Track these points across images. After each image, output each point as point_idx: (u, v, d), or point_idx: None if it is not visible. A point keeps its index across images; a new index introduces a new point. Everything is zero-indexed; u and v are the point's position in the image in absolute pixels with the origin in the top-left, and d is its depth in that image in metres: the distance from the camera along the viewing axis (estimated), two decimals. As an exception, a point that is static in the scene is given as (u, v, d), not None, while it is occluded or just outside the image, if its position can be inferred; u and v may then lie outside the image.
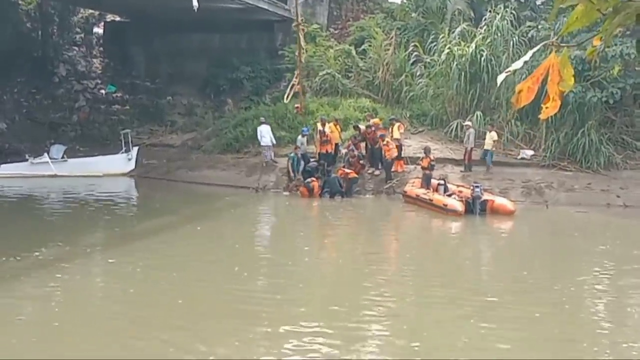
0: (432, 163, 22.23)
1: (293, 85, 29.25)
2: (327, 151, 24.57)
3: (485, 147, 23.77)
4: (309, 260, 15.36)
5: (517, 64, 3.10)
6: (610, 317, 11.44)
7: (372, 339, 9.83)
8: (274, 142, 26.38)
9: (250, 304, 11.32)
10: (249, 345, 9.56)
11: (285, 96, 29.37)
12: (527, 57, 3.07)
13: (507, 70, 3.23)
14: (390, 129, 24.41)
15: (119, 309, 11.34)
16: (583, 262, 15.46)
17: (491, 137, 23.72)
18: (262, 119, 27.04)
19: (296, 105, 28.56)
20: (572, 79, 3.01)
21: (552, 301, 11.95)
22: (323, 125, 24.88)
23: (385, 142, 23.52)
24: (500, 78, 3.29)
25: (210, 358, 9.06)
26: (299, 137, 25.08)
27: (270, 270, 14.35)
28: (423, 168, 22.18)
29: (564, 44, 2.97)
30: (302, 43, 28.43)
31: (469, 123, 24.16)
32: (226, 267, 14.09)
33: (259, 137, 26.34)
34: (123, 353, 9.20)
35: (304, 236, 18.82)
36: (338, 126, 25.49)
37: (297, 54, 29.04)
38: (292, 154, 24.45)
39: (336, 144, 25.00)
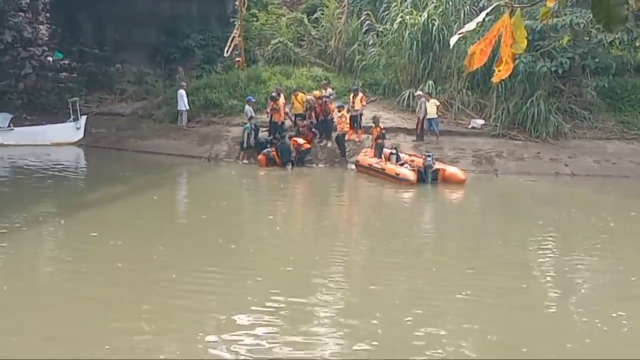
0: (383, 132, 22.25)
1: (234, 37, 29.01)
2: (276, 120, 24.38)
3: (429, 117, 23.72)
4: (267, 232, 15.34)
5: (470, 25, 3.07)
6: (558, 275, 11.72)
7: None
8: (187, 107, 26.78)
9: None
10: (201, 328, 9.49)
11: (226, 50, 29.16)
12: (480, 18, 3.03)
13: (459, 32, 3.19)
14: (351, 99, 24.27)
15: (67, 281, 11.18)
16: (533, 229, 15.72)
17: (433, 104, 23.67)
18: (182, 83, 27.67)
19: (237, 59, 28.39)
20: (525, 41, 2.99)
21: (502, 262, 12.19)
22: (278, 94, 24.66)
23: (340, 115, 23.42)
24: (453, 40, 3.25)
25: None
26: (246, 106, 24.74)
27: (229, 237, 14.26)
28: (374, 139, 22.19)
29: (517, 5, 2.94)
30: None
31: (420, 92, 24.20)
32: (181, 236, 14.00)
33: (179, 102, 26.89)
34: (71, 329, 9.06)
35: (257, 206, 18.79)
36: (300, 96, 25.10)
37: (237, 3, 28.83)
38: (247, 125, 24.21)
39: (296, 115, 24.78)
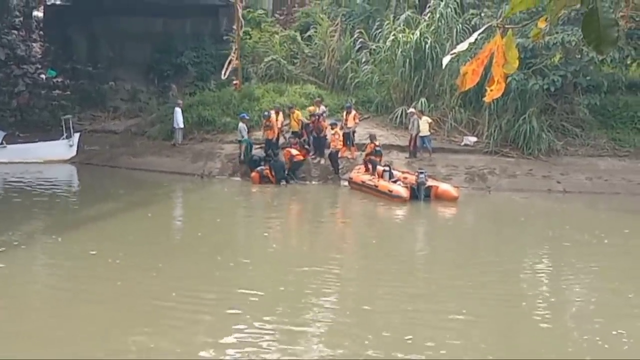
0: (378, 148, 22.32)
1: (231, 60, 29.09)
2: (270, 138, 24.42)
3: (422, 134, 23.78)
4: (261, 246, 15.32)
5: (463, 46, 3.10)
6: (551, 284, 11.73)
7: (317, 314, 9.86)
8: (182, 125, 26.88)
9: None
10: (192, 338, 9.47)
11: (223, 72, 29.23)
12: (472, 39, 3.07)
13: (452, 52, 3.22)
14: (344, 116, 24.31)
15: (61, 297, 11.13)
16: (528, 246, 15.74)
17: (425, 122, 23.73)
18: (178, 101, 27.74)
19: (234, 82, 28.51)
20: (517, 61, 3.02)
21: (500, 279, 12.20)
22: (277, 113, 24.75)
23: (333, 132, 23.48)
24: (445, 60, 3.29)
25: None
26: (240, 124, 24.78)
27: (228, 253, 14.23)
28: (367, 155, 22.25)
29: (509, 26, 2.97)
30: (240, 15, 28.43)
31: (413, 110, 24.29)
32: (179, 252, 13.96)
33: (175, 119, 26.90)
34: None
35: (253, 222, 18.77)
36: (296, 114, 25.19)
37: (234, 27, 28.95)
38: (245, 138, 24.30)
39: (293, 132, 24.87)
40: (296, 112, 25.11)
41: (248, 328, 9.38)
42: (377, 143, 22.46)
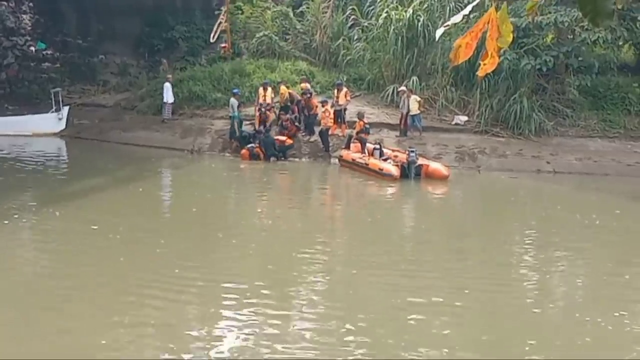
0: (367, 126, 22.28)
1: (220, 23, 28.95)
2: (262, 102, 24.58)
3: (411, 113, 23.69)
4: (253, 224, 15.31)
5: (456, 18, 3.06)
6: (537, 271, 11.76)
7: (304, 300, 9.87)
8: (172, 100, 26.85)
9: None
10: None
11: (212, 35, 29.10)
12: (466, 11, 3.03)
13: (445, 24, 3.19)
14: (335, 93, 24.21)
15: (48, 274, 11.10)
16: (522, 226, 15.79)
17: (414, 100, 23.62)
18: (168, 75, 27.65)
19: (222, 45, 28.41)
20: (511, 35, 2.99)
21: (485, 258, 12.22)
22: (265, 89, 24.64)
23: (324, 110, 23.39)
24: (438, 32, 3.26)
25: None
26: (232, 99, 24.66)
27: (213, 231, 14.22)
28: (357, 133, 22.22)
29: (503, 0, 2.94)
30: None
31: (404, 88, 24.22)
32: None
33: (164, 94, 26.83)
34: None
35: (244, 200, 18.76)
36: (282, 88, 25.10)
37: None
38: (235, 114, 24.19)
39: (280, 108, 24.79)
40: (282, 87, 24.99)
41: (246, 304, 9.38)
42: (365, 121, 22.40)
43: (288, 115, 24.01)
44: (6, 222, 13.81)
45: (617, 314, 9.54)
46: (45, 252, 12.50)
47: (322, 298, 10.06)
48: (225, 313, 9.21)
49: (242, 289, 10.09)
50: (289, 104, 24.71)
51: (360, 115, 22.50)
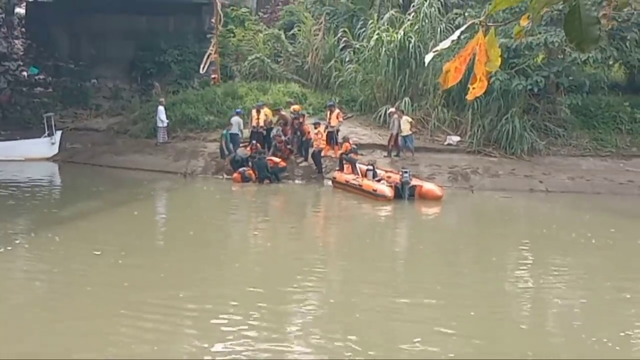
0: (354, 147, 22.38)
1: (210, 54, 29.07)
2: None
3: (403, 134, 23.77)
4: (251, 246, 15.28)
5: (445, 43, 3.08)
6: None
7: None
8: (165, 123, 26.95)
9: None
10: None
11: (202, 67, 29.21)
12: (454, 37, 3.05)
13: (434, 49, 3.21)
14: (327, 115, 24.24)
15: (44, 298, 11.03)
16: (519, 246, 15.78)
17: (406, 121, 23.71)
18: (160, 99, 27.80)
19: (212, 76, 28.51)
20: (499, 59, 3.01)
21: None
22: (257, 112, 24.72)
23: (316, 131, 23.45)
24: (428, 57, 3.27)
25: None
26: (235, 117, 24.82)
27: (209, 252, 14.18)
28: (341, 154, 22.35)
29: (491, 24, 2.96)
30: (219, 9, 28.58)
31: (393, 109, 24.38)
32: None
33: (157, 117, 26.92)
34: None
35: (238, 221, 18.73)
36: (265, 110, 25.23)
37: (213, 20, 28.99)
38: (224, 132, 24.31)
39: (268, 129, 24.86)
40: (265, 109, 25.07)
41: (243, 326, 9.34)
42: (351, 142, 22.55)
43: (282, 137, 24.04)
44: (9, 248, 13.71)
45: (622, 334, 9.50)
46: (52, 276, 12.31)
47: (319, 328, 9.85)
48: (219, 347, 9.15)
49: (236, 319, 10.05)
50: (279, 126, 24.77)
51: (346, 138, 22.68)
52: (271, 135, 24.52)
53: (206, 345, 8.78)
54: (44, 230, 15.58)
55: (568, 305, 11.37)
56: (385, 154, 24.13)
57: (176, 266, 12.66)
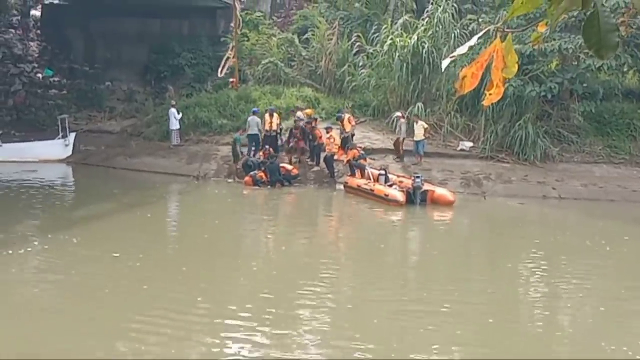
0: (362, 153, 22.40)
1: (228, 58, 29.16)
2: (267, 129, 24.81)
3: (416, 138, 23.80)
4: (266, 250, 15.31)
5: (462, 49, 3.09)
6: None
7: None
8: (178, 126, 27.08)
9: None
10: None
11: (220, 70, 29.29)
12: (472, 42, 3.06)
13: (451, 55, 3.21)
14: (340, 124, 24.11)
15: (54, 299, 11.08)
16: (533, 252, 15.66)
17: (421, 126, 23.76)
18: (172, 102, 27.89)
19: (231, 80, 28.60)
20: (516, 65, 3.01)
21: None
22: (271, 115, 24.76)
23: (328, 136, 23.44)
24: (445, 63, 3.27)
25: None
26: (252, 117, 24.94)
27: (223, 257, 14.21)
28: (347, 160, 22.43)
29: (508, 30, 2.97)
30: (238, 13, 28.65)
31: (399, 114, 24.39)
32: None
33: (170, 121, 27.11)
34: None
35: (251, 224, 18.74)
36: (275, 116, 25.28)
37: (232, 24, 29.03)
38: (236, 136, 24.37)
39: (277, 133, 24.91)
40: (275, 114, 25.10)
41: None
42: (359, 149, 22.62)
43: (300, 123, 24.13)
44: (29, 249, 13.84)
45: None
46: (71, 277, 12.42)
47: (331, 334, 9.88)
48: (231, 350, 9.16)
49: (248, 324, 10.07)
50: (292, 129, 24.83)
51: (353, 146, 22.67)
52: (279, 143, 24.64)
53: (217, 350, 8.81)
54: (60, 232, 15.71)
55: (582, 313, 11.32)
56: (398, 158, 24.10)
57: (192, 269, 12.70)
